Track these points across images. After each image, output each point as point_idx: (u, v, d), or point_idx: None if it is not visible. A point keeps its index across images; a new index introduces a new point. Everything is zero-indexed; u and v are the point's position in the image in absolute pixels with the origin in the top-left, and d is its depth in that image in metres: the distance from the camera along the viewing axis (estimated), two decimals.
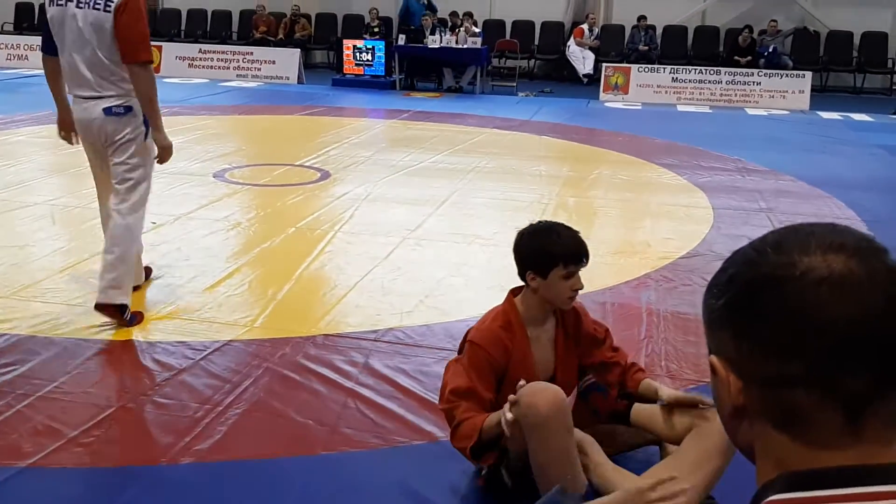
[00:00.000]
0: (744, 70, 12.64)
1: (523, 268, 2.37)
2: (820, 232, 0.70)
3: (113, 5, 3.45)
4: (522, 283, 2.42)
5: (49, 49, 3.67)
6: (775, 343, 0.67)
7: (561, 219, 5.53)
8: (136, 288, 3.89)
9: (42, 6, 3.80)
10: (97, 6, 3.46)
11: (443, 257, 4.70)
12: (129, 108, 3.61)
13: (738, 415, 0.72)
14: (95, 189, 3.96)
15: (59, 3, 3.53)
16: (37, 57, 16.00)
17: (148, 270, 4.23)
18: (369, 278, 4.29)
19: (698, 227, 5.39)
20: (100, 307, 3.57)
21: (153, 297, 4.07)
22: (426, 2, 13.77)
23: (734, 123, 10.57)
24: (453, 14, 14.15)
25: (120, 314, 3.58)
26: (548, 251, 2.32)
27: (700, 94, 12.49)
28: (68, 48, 3.55)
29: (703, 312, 0.76)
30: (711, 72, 12.59)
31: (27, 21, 16.64)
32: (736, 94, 12.36)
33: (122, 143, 3.62)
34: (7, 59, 14.29)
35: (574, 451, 2.20)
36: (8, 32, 16.12)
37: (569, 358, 2.48)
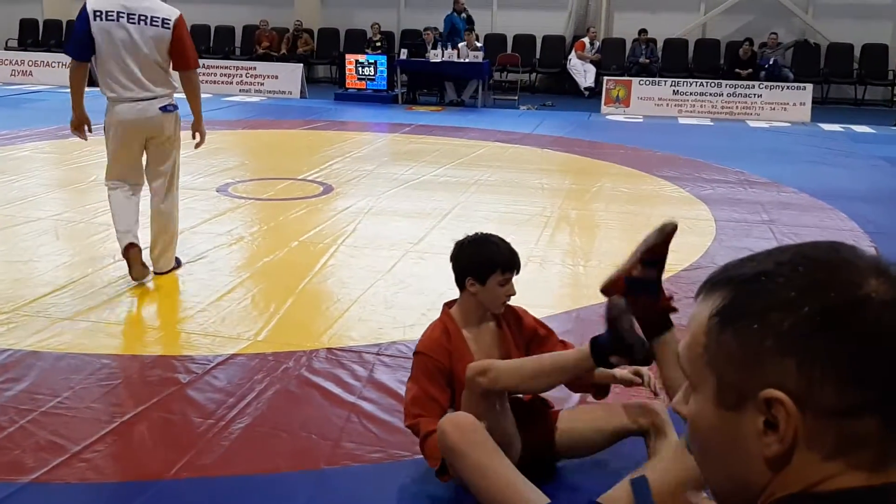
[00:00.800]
0: (745, 82, 12.68)
1: (463, 275, 2.57)
2: (854, 253, 0.69)
3: (171, 22, 4.22)
4: (454, 299, 2.67)
5: (84, 56, 4.25)
6: (855, 368, 0.64)
7: (563, 232, 5.60)
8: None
9: (76, 21, 4.36)
10: (155, 23, 4.18)
11: (445, 270, 4.64)
12: (176, 107, 4.41)
13: (782, 456, 0.66)
14: (122, 174, 4.42)
15: (111, 18, 4.12)
16: (41, 73, 16.00)
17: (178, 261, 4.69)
18: (372, 292, 4.30)
19: (701, 240, 5.39)
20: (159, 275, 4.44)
21: (157, 311, 4.08)
22: (467, 16, 13.76)
23: (736, 136, 10.59)
24: None
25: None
26: (487, 258, 2.54)
27: (701, 106, 12.53)
28: (119, 56, 4.16)
29: (728, 344, 0.68)
30: (712, 84, 12.63)
31: (31, 37, 16.75)
32: (737, 107, 12.39)
33: (169, 136, 4.39)
34: (11, 74, 14.37)
35: (504, 470, 2.26)
36: (12, 49, 16.21)
37: (517, 352, 2.62)
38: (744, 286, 0.69)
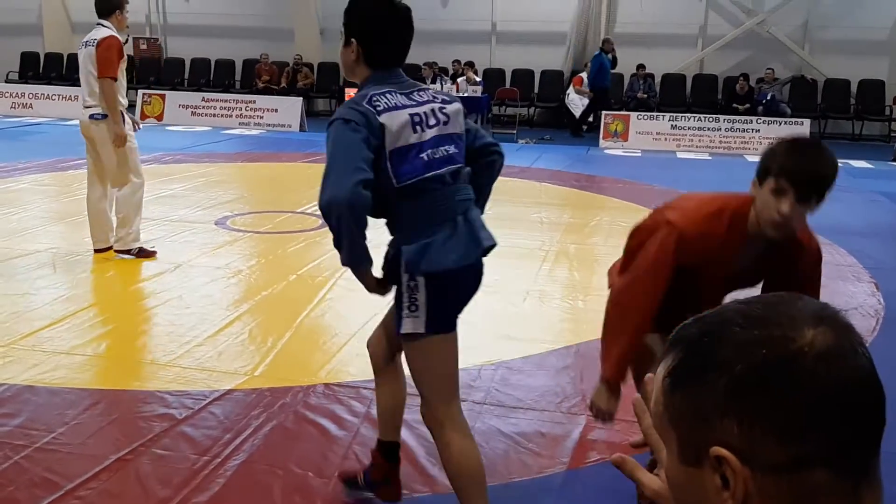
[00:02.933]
0: (742, 117, 12.78)
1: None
2: (794, 306, 0.69)
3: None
4: None
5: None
6: (793, 423, 0.64)
7: (562, 266, 5.59)
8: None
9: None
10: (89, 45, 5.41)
11: None
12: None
13: None
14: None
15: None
16: (41, 105, 16.11)
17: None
18: (370, 325, 4.23)
19: None
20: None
21: (154, 346, 4.05)
22: (613, 57, 13.82)
23: (734, 170, 10.62)
24: (455, 63, 14.37)
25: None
26: (771, 156, 2.02)
27: (699, 141, 12.61)
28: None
29: (679, 405, 0.69)
30: (710, 119, 12.73)
31: (32, 70, 16.89)
32: (735, 141, 12.47)
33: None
34: (11, 107, 14.45)
35: None
36: (13, 81, 16.34)
37: (773, 284, 2.25)
38: (690, 347, 0.70)
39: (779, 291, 0.73)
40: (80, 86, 5.51)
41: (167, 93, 14.59)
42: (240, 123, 13.81)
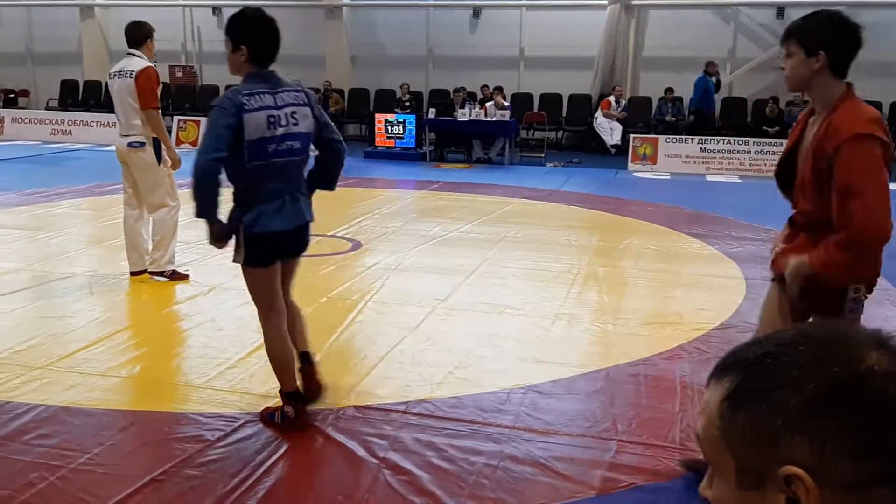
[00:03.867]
0: (772, 140, 12.68)
1: None
2: (853, 329, 0.71)
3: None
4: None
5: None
6: (864, 441, 0.65)
7: (591, 289, 5.58)
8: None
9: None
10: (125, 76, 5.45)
11: (473, 327, 4.70)
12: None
13: None
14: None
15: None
16: (80, 132, 16.49)
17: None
18: (399, 349, 4.29)
19: (731, 298, 5.33)
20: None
21: (187, 368, 4.11)
22: (717, 80, 13.99)
23: (764, 193, 10.48)
24: (484, 87, 14.47)
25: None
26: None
27: (729, 164, 12.53)
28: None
29: (742, 427, 0.70)
30: (740, 142, 12.65)
31: (71, 97, 17.31)
32: (765, 164, 12.36)
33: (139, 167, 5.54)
34: (51, 133, 14.82)
35: None
36: (53, 108, 16.76)
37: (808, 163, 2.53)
38: (750, 369, 0.71)
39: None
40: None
41: (202, 119, 14.84)
42: None
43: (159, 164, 5.47)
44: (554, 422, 3.47)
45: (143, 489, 2.85)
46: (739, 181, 11.80)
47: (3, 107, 17.09)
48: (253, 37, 3.18)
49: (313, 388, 3.51)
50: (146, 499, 2.81)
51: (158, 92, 5.47)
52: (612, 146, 14.24)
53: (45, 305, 5.06)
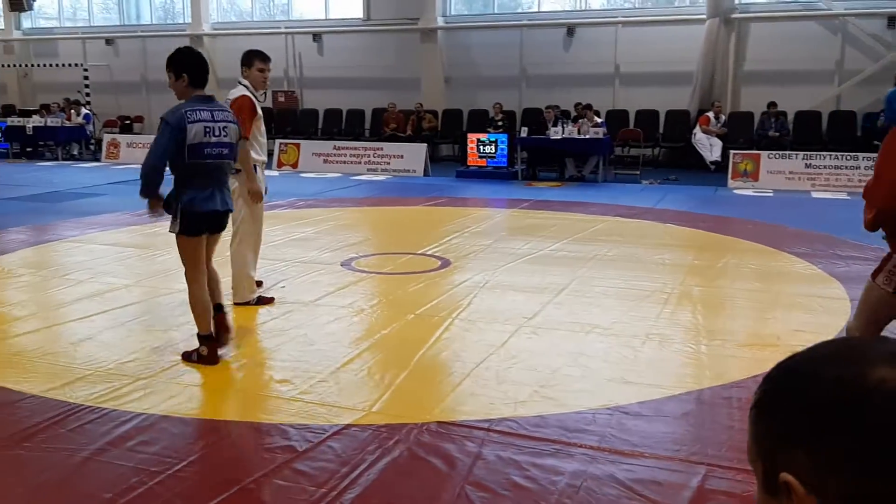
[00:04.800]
0: None
1: None
2: (874, 346, 0.72)
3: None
4: None
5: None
6: (862, 458, 0.66)
7: (685, 309, 5.45)
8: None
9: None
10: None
11: (559, 346, 4.66)
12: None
13: None
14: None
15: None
16: None
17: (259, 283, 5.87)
18: (485, 366, 4.31)
19: (833, 320, 5.09)
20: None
21: (280, 380, 4.24)
22: None
23: None
24: (577, 105, 14.40)
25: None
26: None
27: (836, 180, 12.00)
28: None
29: (764, 434, 0.74)
30: (848, 157, 12.10)
31: None
32: None
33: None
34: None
35: None
36: None
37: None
38: (775, 381, 0.75)
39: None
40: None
41: (302, 142, 15.38)
42: (368, 169, 14.35)
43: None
44: (640, 444, 3.40)
45: (233, 497, 2.96)
46: (847, 198, 11.26)
47: (121, 132, 18.20)
48: (191, 67, 4.29)
49: (222, 332, 4.52)
50: None
51: (255, 121, 5.41)
52: (712, 163, 13.88)
53: (152, 319, 5.34)
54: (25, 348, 4.71)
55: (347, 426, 3.58)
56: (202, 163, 4.25)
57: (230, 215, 4.69)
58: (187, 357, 4.40)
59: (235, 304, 5.62)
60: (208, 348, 4.36)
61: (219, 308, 4.55)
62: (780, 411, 0.72)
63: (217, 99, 4.50)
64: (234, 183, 5.57)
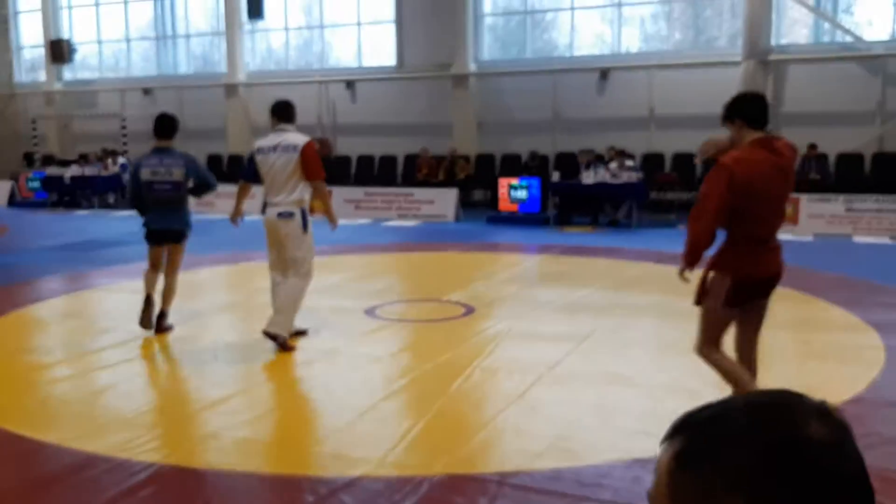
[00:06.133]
0: None
1: None
2: (798, 399, 0.73)
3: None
4: None
5: (249, 177, 6.00)
6: None
7: None
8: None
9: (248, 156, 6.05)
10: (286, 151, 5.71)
11: (580, 397, 4.55)
12: (291, 214, 5.64)
13: None
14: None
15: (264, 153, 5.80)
16: (223, 203, 17.45)
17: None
18: (502, 417, 4.21)
19: (864, 370, 4.90)
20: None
21: (297, 429, 4.21)
22: None
23: None
24: (609, 149, 14.35)
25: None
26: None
27: (879, 223, 11.69)
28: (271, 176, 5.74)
29: (687, 485, 0.72)
30: (892, 200, 11.79)
31: (216, 170, 18.59)
32: None
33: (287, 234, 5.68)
34: (196, 204, 15.87)
35: None
36: None
37: None
38: (698, 429, 0.74)
39: None
40: (256, 183, 5.85)
41: (334, 188, 15.53)
42: (398, 215, 14.41)
43: (305, 232, 5.59)
44: None
45: None
46: (891, 242, 10.96)
47: None
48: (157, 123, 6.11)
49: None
50: None
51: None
52: None
53: (173, 369, 5.36)
54: (50, 396, 4.76)
55: (358, 479, 3.51)
56: (152, 194, 5.95)
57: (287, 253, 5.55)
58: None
59: (265, 331, 5.48)
60: (145, 303, 6.01)
61: (162, 315, 6.06)
62: (712, 460, 0.71)
63: (272, 141, 5.61)
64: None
